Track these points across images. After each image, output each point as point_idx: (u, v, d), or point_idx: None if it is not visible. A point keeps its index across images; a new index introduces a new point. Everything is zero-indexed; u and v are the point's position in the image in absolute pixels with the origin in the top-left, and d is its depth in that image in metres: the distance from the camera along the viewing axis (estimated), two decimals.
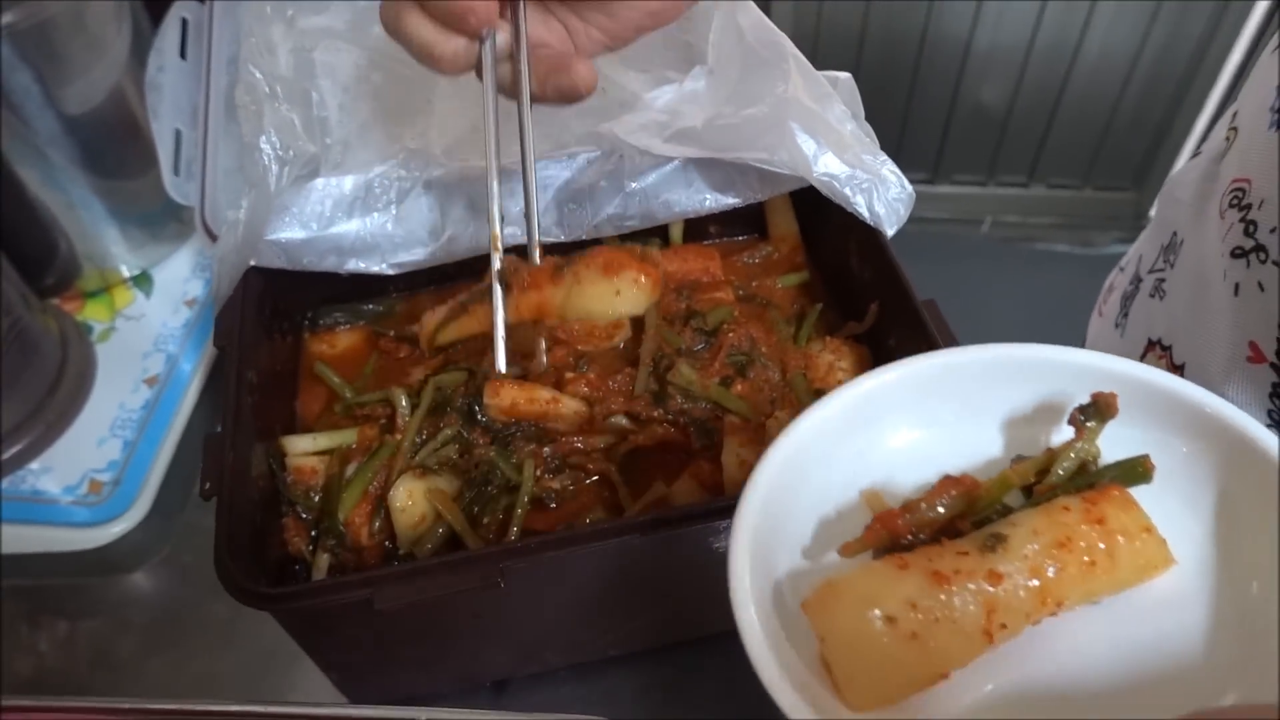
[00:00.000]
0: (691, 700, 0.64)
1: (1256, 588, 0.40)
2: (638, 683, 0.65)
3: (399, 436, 0.64)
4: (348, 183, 0.64)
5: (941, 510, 0.41)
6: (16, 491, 0.75)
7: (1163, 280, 0.72)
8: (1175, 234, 0.71)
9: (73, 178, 0.81)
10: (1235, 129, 0.64)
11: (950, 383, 0.45)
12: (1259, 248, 0.58)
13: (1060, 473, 0.43)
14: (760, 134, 0.62)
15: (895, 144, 2.11)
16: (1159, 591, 0.41)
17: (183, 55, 0.74)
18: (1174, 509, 0.42)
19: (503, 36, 0.52)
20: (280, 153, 0.62)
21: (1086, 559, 0.39)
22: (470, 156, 0.66)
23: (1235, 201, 0.61)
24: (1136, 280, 0.77)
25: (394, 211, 0.65)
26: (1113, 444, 0.43)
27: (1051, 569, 0.39)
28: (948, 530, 0.42)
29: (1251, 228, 0.59)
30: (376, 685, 0.61)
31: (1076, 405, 0.43)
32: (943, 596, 0.37)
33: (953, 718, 0.38)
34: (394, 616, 0.51)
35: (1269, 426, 0.60)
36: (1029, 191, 2.20)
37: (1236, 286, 0.60)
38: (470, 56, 0.51)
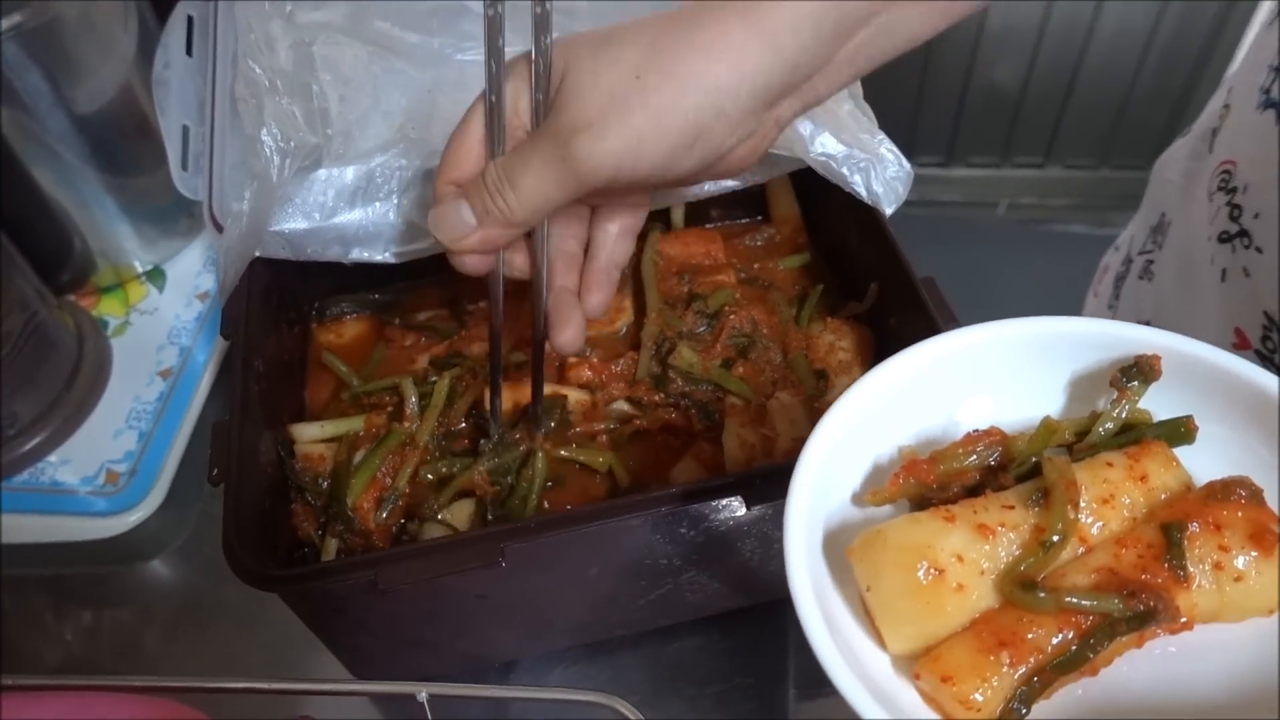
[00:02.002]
0: (698, 678, 0.65)
1: None
2: (646, 661, 0.66)
3: (408, 424, 0.65)
4: (349, 173, 0.65)
5: (972, 461, 0.41)
6: (37, 483, 0.76)
7: (1151, 262, 0.71)
8: (1164, 215, 0.70)
9: (85, 176, 0.82)
10: (1229, 106, 0.63)
11: (1016, 354, 0.44)
12: (1243, 233, 0.57)
13: (1101, 432, 0.41)
14: None
15: (909, 127, 2.09)
16: None
17: (189, 52, 0.74)
18: (1217, 472, 0.40)
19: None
20: (282, 144, 0.63)
21: (1128, 515, 0.39)
22: None
23: (1223, 184, 0.60)
24: (1128, 261, 0.77)
25: (396, 201, 0.65)
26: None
27: (1096, 526, 0.38)
28: (991, 484, 0.41)
29: (1236, 212, 0.58)
30: (386, 667, 0.62)
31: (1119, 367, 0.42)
32: (988, 548, 0.37)
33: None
34: (400, 597, 0.52)
35: None
36: (1045, 172, 2.17)
37: (1223, 272, 0.59)
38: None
